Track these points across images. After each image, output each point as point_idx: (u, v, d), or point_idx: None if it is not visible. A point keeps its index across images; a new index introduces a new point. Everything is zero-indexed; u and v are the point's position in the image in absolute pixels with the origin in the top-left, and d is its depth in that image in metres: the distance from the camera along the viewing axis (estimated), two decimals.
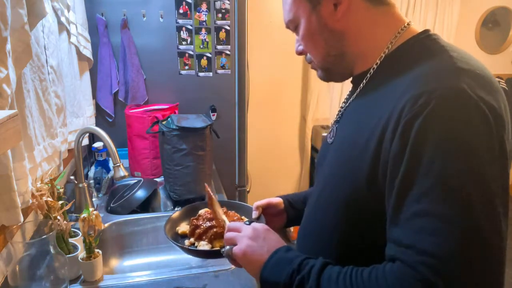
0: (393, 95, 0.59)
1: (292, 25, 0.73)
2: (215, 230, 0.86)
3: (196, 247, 0.86)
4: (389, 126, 0.56)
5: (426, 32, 0.65)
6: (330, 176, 0.71)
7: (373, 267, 0.57)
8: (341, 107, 0.79)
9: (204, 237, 0.86)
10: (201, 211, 0.93)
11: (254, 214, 0.89)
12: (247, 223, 0.83)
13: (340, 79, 0.77)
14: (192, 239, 0.88)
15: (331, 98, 3.15)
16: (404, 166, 0.53)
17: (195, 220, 0.90)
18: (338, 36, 0.69)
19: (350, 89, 0.79)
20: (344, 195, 0.65)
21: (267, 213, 0.91)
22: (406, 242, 0.52)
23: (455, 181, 0.50)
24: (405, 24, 0.67)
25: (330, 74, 0.75)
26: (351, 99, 0.74)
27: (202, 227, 0.87)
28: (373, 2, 0.66)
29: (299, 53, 0.78)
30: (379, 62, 0.67)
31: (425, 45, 0.63)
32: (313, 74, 2.99)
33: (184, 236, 0.90)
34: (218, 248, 0.82)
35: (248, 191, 2.38)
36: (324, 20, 0.67)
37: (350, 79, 0.76)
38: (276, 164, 3.23)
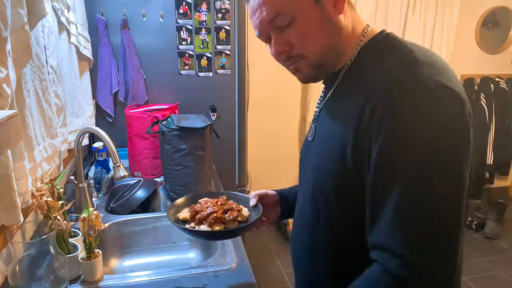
0: (365, 90, 0.63)
1: (283, 21, 0.68)
2: (215, 215, 0.91)
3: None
4: (363, 121, 0.61)
5: (384, 31, 0.72)
6: (315, 170, 0.75)
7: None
8: (317, 107, 0.83)
9: (204, 222, 0.92)
10: (201, 200, 1.00)
11: (252, 202, 0.97)
12: (248, 212, 0.96)
13: (323, 77, 0.79)
14: (192, 224, 0.93)
15: None
16: (376, 161, 0.59)
17: (196, 207, 0.96)
18: (338, 30, 0.70)
19: (323, 88, 0.83)
20: (332, 186, 0.69)
21: (263, 203, 0.97)
22: (379, 243, 0.60)
23: (422, 174, 0.56)
24: (367, 26, 0.74)
25: (320, 72, 0.74)
26: (326, 98, 0.78)
27: (202, 213, 0.93)
28: (349, 4, 0.72)
29: (279, 53, 0.72)
30: (350, 61, 0.72)
31: (387, 42, 0.69)
32: None
33: (185, 221, 0.96)
34: (219, 229, 0.91)
35: (248, 191, 2.38)
36: (328, 13, 0.68)
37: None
38: (276, 164, 3.23)
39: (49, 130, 1.13)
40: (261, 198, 0.98)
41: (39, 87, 1.07)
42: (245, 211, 0.97)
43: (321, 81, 0.81)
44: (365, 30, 0.73)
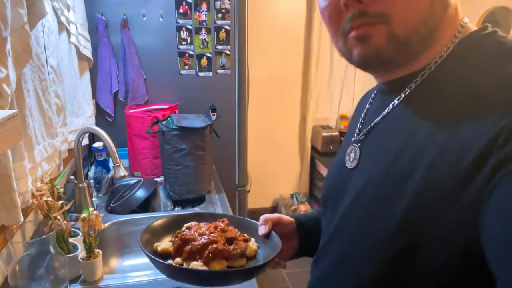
0: (470, 115, 0.42)
1: None
2: (214, 246, 0.63)
3: None
4: (483, 162, 0.39)
5: (489, 26, 0.50)
6: (368, 214, 0.51)
7: None
8: (361, 122, 0.60)
9: (198, 257, 0.63)
10: (191, 224, 0.71)
11: (262, 229, 0.69)
12: (256, 243, 0.67)
13: (389, 69, 0.53)
14: (178, 259, 0.64)
15: (331, 98, 3.15)
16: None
17: (183, 233, 0.67)
18: (445, 4, 0.48)
19: (370, 98, 0.62)
20: (398, 249, 0.46)
21: (277, 233, 0.70)
22: None
23: None
24: (464, 19, 0.51)
25: (397, 52, 0.48)
26: (387, 110, 0.54)
27: (194, 242, 0.64)
28: None
29: (351, 1, 0.46)
30: (440, 58, 0.49)
31: (500, 42, 0.47)
32: (313, 73, 3.00)
33: (166, 256, 0.66)
34: (222, 269, 0.62)
35: (248, 191, 2.38)
36: None
37: (378, 84, 0.59)
38: (276, 164, 3.23)
39: (49, 130, 1.13)
40: (274, 225, 0.71)
41: (39, 87, 1.07)
42: (252, 243, 0.69)
43: (379, 70, 0.55)
44: (463, 22, 0.50)
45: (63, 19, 1.34)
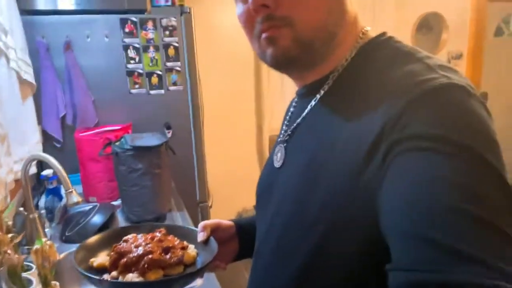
0: (370, 107, 0.48)
1: None
2: (150, 256, 0.63)
3: None
4: (376, 147, 0.44)
5: (386, 33, 0.57)
6: (291, 212, 0.55)
7: None
8: (286, 124, 0.65)
9: (133, 269, 0.63)
10: (128, 237, 0.70)
11: (201, 236, 0.71)
12: (195, 250, 0.69)
13: (300, 69, 0.58)
14: (114, 273, 0.64)
15: (284, 108, 3.22)
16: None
17: (119, 247, 0.66)
18: (342, 11, 0.54)
19: (294, 102, 0.68)
20: (321, 235, 0.50)
21: (217, 238, 0.72)
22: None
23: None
24: (366, 27, 0.58)
25: (302, 54, 0.53)
26: (306, 111, 0.59)
27: (130, 255, 0.63)
28: None
29: (259, 6, 0.50)
30: (346, 61, 0.55)
31: (393, 47, 0.54)
32: (266, 83, 3.06)
33: (102, 270, 0.65)
34: (157, 278, 0.62)
35: (211, 206, 2.37)
36: None
37: (296, 90, 0.64)
38: (236, 177, 3.24)
39: None
40: (213, 231, 0.73)
41: None
42: (191, 250, 0.70)
43: (292, 71, 0.61)
44: (364, 29, 0.57)
45: (0, 44, 1.28)
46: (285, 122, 0.67)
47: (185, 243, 0.71)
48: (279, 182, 0.61)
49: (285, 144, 0.62)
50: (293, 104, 0.68)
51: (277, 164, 0.63)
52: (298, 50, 0.52)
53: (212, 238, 0.71)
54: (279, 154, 0.63)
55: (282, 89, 3.19)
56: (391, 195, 0.42)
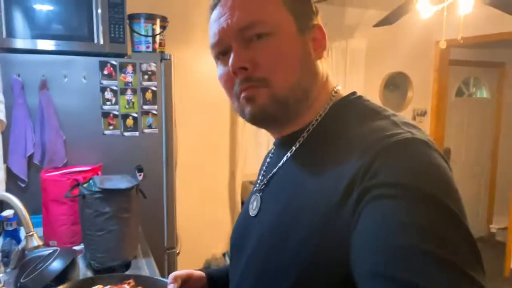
0: (342, 158, 0.52)
1: (256, 31, 0.56)
2: None
3: None
4: (348, 194, 0.48)
5: (356, 93, 0.64)
6: (266, 258, 0.57)
7: None
8: (263, 174, 0.68)
9: None
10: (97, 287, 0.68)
11: (172, 287, 0.71)
12: None
13: (275, 123, 0.63)
14: None
15: (257, 154, 3.27)
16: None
17: None
18: (313, 73, 0.60)
19: (271, 153, 0.71)
20: (296, 279, 0.52)
21: None
22: None
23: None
24: (337, 87, 0.64)
25: (279, 111, 0.58)
26: (282, 162, 0.63)
27: None
28: (324, 57, 0.63)
29: (238, 68, 0.56)
30: (320, 116, 0.60)
31: (362, 105, 0.60)
32: (241, 129, 3.11)
33: None
34: None
35: (178, 253, 2.29)
36: (309, 49, 0.59)
37: (274, 141, 0.69)
38: (206, 222, 3.17)
39: None
40: (184, 282, 0.73)
41: None
42: None
43: (269, 126, 0.66)
44: (336, 88, 0.64)
45: None
46: (262, 172, 0.70)
47: None
48: (255, 230, 0.62)
49: (260, 193, 0.65)
50: (270, 155, 0.72)
51: (252, 212, 0.65)
52: (275, 107, 0.57)
53: None
54: (254, 203, 0.65)
55: (256, 136, 3.25)
56: (360, 237, 0.45)
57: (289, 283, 0.52)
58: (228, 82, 0.60)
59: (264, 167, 0.71)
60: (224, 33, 0.58)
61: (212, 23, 0.60)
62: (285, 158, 0.63)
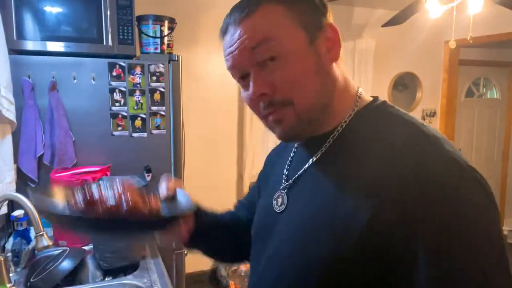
0: (374, 170, 0.54)
1: (268, 51, 0.57)
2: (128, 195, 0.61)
3: None
4: (385, 205, 0.50)
5: (379, 98, 0.65)
6: (292, 255, 0.60)
7: None
8: (287, 169, 0.69)
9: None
10: (97, 185, 0.66)
11: (163, 190, 0.72)
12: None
13: (305, 137, 0.65)
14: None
15: (265, 155, 3.25)
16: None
17: (89, 191, 0.62)
18: (332, 81, 0.61)
19: (294, 148, 0.72)
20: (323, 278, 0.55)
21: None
22: None
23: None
24: (359, 89, 0.65)
25: (305, 128, 0.61)
26: (308, 164, 0.64)
27: (103, 197, 0.61)
28: (343, 58, 0.64)
29: (259, 95, 0.59)
30: (345, 123, 0.62)
31: (386, 112, 0.62)
32: (248, 132, 3.11)
33: None
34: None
35: (186, 254, 2.29)
36: (323, 59, 0.59)
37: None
38: None
39: None
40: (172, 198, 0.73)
41: None
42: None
43: (299, 139, 0.68)
44: (359, 93, 0.65)
45: None
46: (286, 166, 0.70)
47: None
48: (280, 225, 0.64)
49: (285, 191, 0.67)
50: (294, 149, 0.72)
51: (277, 208, 0.66)
52: (302, 126, 0.60)
53: (182, 196, 0.72)
54: (279, 200, 0.67)
55: (264, 139, 3.25)
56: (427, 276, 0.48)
57: (320, 278, 0.55)
58: (252, 105, 0.62)
59: (286, 165, 0.71)
60: (238, 61, 0.60)
61: (225, 49, 0.61)
62: (310, 161, 0.64)
